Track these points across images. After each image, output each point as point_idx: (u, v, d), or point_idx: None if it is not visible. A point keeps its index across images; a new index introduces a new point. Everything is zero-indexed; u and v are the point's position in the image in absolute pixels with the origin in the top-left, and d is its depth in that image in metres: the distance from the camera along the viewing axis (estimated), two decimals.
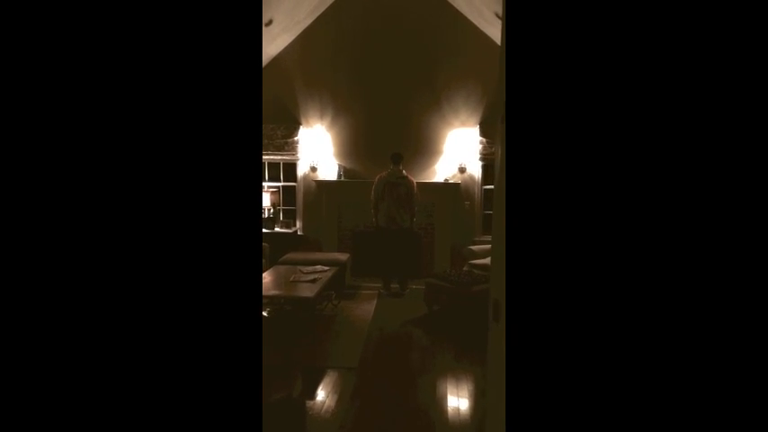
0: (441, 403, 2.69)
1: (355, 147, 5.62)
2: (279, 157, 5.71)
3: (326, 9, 5.40)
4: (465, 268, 4.70)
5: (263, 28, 4.51)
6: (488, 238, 5.48)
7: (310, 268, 4.32)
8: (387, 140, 5.40)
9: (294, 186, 5.78)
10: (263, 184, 5.72)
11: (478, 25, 5.23)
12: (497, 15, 4.52)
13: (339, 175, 5.59)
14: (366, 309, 4.44)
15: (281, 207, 5.82)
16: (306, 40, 5.50)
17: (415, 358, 3.35)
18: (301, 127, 5.65)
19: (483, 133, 5.40)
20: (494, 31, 5.07)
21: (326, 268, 4.36)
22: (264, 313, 4.06)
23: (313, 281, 3.90)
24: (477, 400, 2.75)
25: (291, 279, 3.94)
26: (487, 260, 4.70)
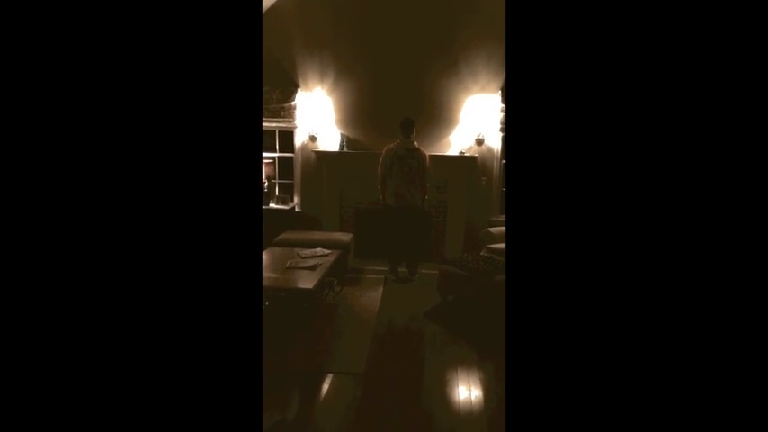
0: (461, 417, 2.22)
1: (360, 114, 5.01)
2: (274, 125, 5.11)
3: None
4: (483, 253, 4.19)
5: None
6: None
7: (309, 251, 3.81)
8: (395, 107, 4.80)
9: (291, 158, 5.20)
10: None
11: None
12: None
13: (342, 146, 5.00)
14: (372, 297, 3.96)
15: (277, 181, 5.25)
16: None
17: (430, 360, 2.87)
18: (299, 90, 5.02)
19: (505, 100, 4.80)
20: None
21: (327, 251, 3.85)
22: None
23: (312, 267, 3.39)
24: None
25: (288, 265, 3.43)
26: None
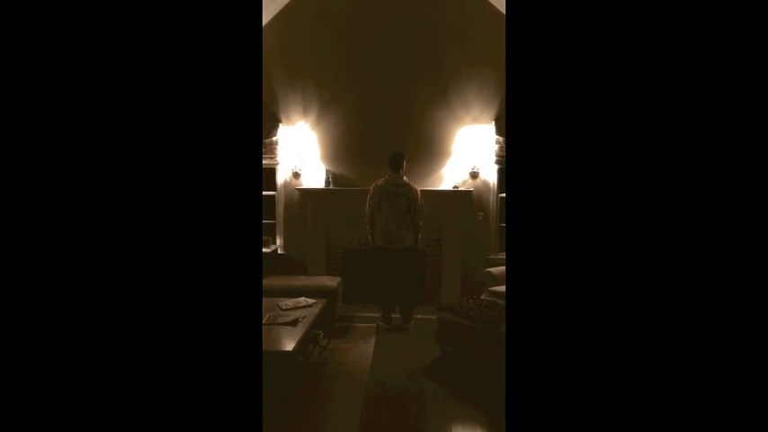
0: None
1: (346, 148, 4.71)
2: None
3: None
4: (484, 297, 3.82)
5: None
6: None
7: (291, 302, 3.40)
8: (383, 140, 4.51)
9: (273, 196, 4.86)
10: None
11: (493, 1, 4.39)
12: None
13: (327, 183, 4.68)
14: (363, 351, 3.53)
15: None
16: (286, 18, 4.60)
17: (431, 430, 2.44)
18: (281, 125, 4.73)
19: (499, 131, 4.54)
20: None
21: (311, 301, 3.44)
22: None
23: (293, 322, 2.98)
24: None
25: (266, 320, 3.01)
26: None
